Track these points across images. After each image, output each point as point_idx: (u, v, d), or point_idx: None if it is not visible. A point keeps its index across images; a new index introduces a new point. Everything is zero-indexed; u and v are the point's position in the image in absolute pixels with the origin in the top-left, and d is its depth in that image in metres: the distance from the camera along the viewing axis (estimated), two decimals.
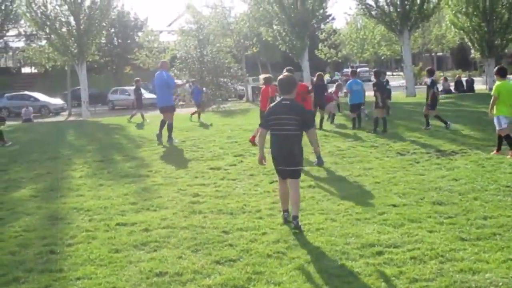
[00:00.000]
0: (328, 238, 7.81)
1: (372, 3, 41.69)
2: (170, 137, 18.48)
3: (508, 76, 14.91)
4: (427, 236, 7.73)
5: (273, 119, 8.50)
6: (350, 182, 11.51)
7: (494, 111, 13.86)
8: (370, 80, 73.77)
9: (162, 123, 18.60)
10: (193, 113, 29.44)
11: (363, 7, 42.42)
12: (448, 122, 19.18)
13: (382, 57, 78.18)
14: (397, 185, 10.98)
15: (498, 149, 14.02)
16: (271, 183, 11.72)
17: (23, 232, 8.89)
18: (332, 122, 22.38)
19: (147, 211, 9.86)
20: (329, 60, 57.95)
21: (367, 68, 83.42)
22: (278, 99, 9.21)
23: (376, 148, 15.55)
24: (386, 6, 41.30)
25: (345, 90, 23.40)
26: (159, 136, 18.60)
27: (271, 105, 9.00)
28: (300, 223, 8.37)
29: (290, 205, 8.71)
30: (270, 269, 6.77)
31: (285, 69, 12.68)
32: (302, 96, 13.97)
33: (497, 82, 14.05)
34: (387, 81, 20.66)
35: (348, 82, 21.76)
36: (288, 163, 8.52)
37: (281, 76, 8.85)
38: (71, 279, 6.76)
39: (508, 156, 13.40)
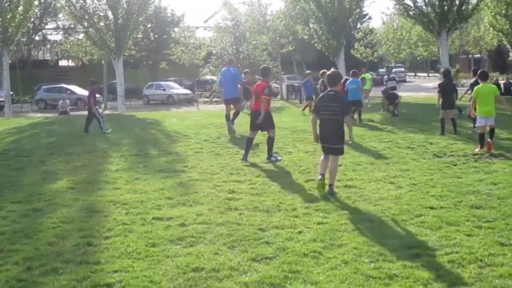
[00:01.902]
0: (365, 239, 7.76)
1: (410, 3, 41.26)
2: (233, 120, 20.43)
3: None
4: (466, 240, 7.64)
5: (321, 106, 10.73)
6: (387, 183, 11.41)
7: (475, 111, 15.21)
8: (405, 81, 73.50)
9: (228, 117, 20.31)
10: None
11: (401, 7, 42.00)
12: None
13: (418, 58, 77.67)
14: (434, 188, 10.86)
15: (482, 146, 14.89)
16: (306, 181, 11.69)
17: (61, 223, 8.99)
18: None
19: (183, 206, 9.90)
20: (364, 60, 57.53)
21: (402, 69, 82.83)
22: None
23: (413, 149, 15.41)
24: (424, 7, 40.83)
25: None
26: (230, 125, 20.22)
27: (321, 94, 11.27)
28: (334, 190, 10.43)
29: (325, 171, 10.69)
30: (307, 268, 6.75)
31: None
32: None
33: (481, 85, 15.19)
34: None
35: (347, 82, 21.82)
36: (331, 142, 10.62)
37: (329, 72, 11.40)
38: (109, 271, 6.81)
39: (477, 150, 14.78)
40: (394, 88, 27.95)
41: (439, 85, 19.68)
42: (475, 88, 15.32)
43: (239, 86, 21.54)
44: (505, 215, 8.80)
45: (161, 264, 7.00)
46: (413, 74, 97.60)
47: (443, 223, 8.42)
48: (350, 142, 13.85)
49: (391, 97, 26.47)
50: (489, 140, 14.88)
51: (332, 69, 11.79)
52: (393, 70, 73.95)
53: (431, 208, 9.36)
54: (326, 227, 8.40)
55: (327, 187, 10.53)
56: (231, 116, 20.44)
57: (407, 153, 14.96)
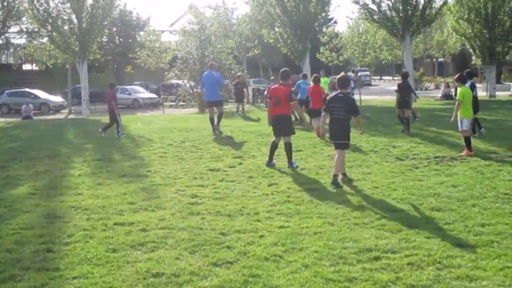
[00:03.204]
0: (326, 242, 7.80)
1: (375, 8, 41.70)
2: (218, 123, 21.02)
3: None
4: (425, 242, 7.73)
5: (331, 106, 11.95)
6: (349, 187, 11.48)
7: (458, 114, 15.08)
8: (370, 85, 74.06)
9: (212, 120, 20.94)
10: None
11: (366, 11, 42.38)
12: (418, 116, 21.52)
13: (383, 62, 78.18)
14: (396, 191, 10.97)
15: (470, 149, 14.99)
16: (269, 185, 11.72)
17: (21, 229, 8.90)
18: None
19: (145, 211, 9.86)
20: (330, 64, 57.72)
21: (368, 72, 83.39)
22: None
23: (376, 153, 15.53)
24: (388, 11, 41.26)
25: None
26: (216, 127, 20.85)
27: (331, 95, 12.60)
28: (338, 181, 11.60)
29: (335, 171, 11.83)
30: (267, 272, 6.76)
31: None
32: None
33: (459, 88, 15.42)
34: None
35: (298, 82, 24.04)
36: (340, 138, 11.89)
37: (339, 76, 12.77)
38: (68, 278, 6.77)
39: (463, 153, 14.80)
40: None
41: (398, 85, 21.13)
42: (460, 91, 15.22)
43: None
44: (464, 217, 8.93)
45: (121, 270, 6.97)
46: (379, 77, 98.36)
47: (404, 226, 8.51)
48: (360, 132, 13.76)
49: None
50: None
51: (342, 73, 13.23)
52: (359, 74, 74.49)
53: (392, 211, 9.46)
54: (287, 230, 8.43)
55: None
56: (215, 120, 20.88)
57: (370, 156, 15.08)
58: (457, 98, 15.36)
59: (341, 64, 61.58)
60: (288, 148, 13.81)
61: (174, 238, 8.18)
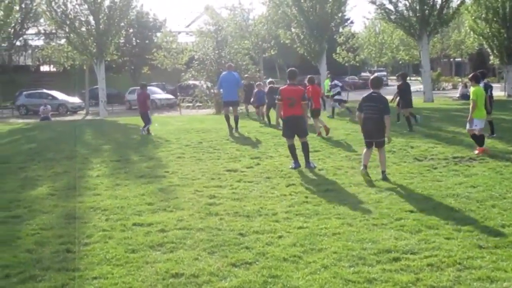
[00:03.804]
0: (345, 243, 7.77)
1: (391, 8, 41.54)
2: (237, 127, 21.46)
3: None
4: (445, 243, 7.68)
5: (365, 105, 12.29)
6: (367, 187, 11.44)
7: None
8: (387, 85, 73.86)
9: (227, 117, 21.41)
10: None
11: (382, 11, 42.24)
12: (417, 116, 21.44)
13: (400, 62, 77.95)
14: (415, 191, 10.93)
15: (481, 146, 15.14)
16: (287, 186, 11.71)
17: (40, 230, 8.94)
18: None
19: (164, 211, 9.88)
20: (346, 64, 57.64)
21: (384, 73, 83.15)
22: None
23: (394, 153, 15.45)
24: (405, 11, 41.13)
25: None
26: (236, 130, 21.33)
27: (365, 95, 12.57)
28: (387, 176, 12.16)
29: (367, 163, 12.26)
30: (286, 273, 6.75)
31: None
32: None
33: (473, 88, 15.49)
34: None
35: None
36: (374, 136, 12.27)
37: (372, 76, 13.40)
38: (88, 278, 6.79)
39: (476, 152, 14.89)
40: (339, 93, 28.70)
41: (398, 86, 21.95)
42: (473, 91, 15.25)
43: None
44: (483, 218, 8.87)
45: (140, 270, 6.98)
46: (395, 78, 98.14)
47: (423, 227, 8.46)
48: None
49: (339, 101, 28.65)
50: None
51: (375, 74, 13.75)
52: (376, 74, 74.17)
53: (411, 211, 9.40)
54: (306, 231, 8.42)
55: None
56: (233, 125, 21.37)
57: (388, 156, 14.95)
58: (471, 98, 15.35)
59: (358, 64, 61.48)
60: (306, 148, 13.80)
61: (192, 239, 8.19)
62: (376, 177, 12.30)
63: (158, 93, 56.80)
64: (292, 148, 13.94)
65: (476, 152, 14.92)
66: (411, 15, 40.81)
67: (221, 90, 23.12)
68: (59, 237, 8.52)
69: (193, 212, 9.73)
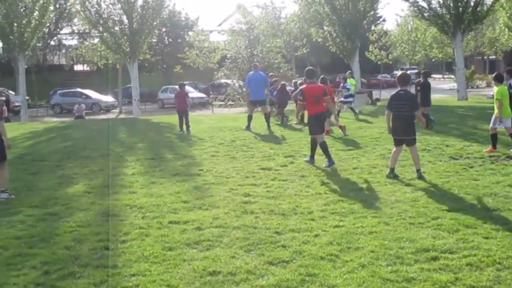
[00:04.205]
0: (382, 242, 7.74)
1: (425, 5, 41.13)
2: (268, 125, 21.71)
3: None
4: (483, 242, 7.60)
5: (394, 103, 12.26)
6: (403, 186, 11.36)
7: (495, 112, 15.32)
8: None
9: (250, 118, 21.86)
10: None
11: (416, 8, 41.86)
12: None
13: (433, 60, 77.26)
14: (451, 190, 10.82)
15: (494, 147, 15.23)
16: (322, 184, 11.68)
17: (78, 227, 9.04)
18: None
19: (199, 209, 9.92)
20: (379, 62, 57.28)
21: (417, 71, 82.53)
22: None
23: (429, 151, 15.32)
24: (439, 8, 40.70)
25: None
26: (268, 128, 21.59)
27: (393, 93, 12.58)
28: (422, 174, 12.07)
29: (395, 164, 12.48)
30: (324, 272, 6.74)
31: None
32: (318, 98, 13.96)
33: (497, 88, 15.27)
34: None
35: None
36: (405, 134, 12.22)
37: (399, 74, 12.99)
38: (126, 275, 6.85)
39: (485, 150, 15.10)
40: (351, 95, 28.80)
41: (420, 84, 21.44)
42: (498, 90, 15.12)
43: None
44: None
45: (178, 268, 7.02)
46: (419, 75, 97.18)
47: (460, 226, 8.38)
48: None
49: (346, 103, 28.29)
50: None
51: (402, 71, 13.65)
52: (408, 72, 73.71)
53: (448, 210, 9.31)
54: (342, 230, 8.39)
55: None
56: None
57: (423, 155, 14.85)
58: (495, 97, 15.17)
59: (390, 62, 61.04)
60: (325, 147, 13.88)
61: (229, 237, 8.21)
62: (412, 176, 12.20)
63: (190, 92, 56.94)
64: (325, 145, 13.91)
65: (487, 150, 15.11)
66: (444, 12, 40.35)
67: (249, 89, 23.35)
68: (97, 234, 8.62)
69: (228, 210, 9.75)
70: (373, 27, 62.74)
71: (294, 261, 7.13)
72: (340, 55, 44.44)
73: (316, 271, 6.76)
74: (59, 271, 7.03)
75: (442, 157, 14.59)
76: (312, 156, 14.19)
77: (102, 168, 14.67)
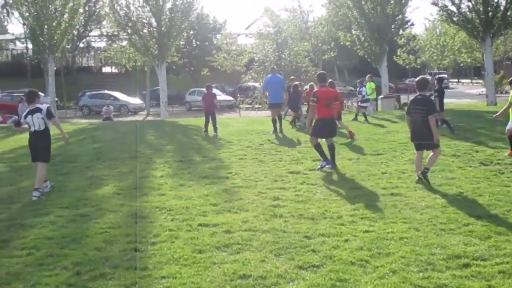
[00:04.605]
0: (412, 248, 7.67)
1: (454, 9, 40.77)
2: (281, 128, 22.29)
3: None
4: None
5: (412, 108, 12.29)
6: (432, 192, 11.27)
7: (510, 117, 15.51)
8: (448, 88, 72.86)
9: (274, 121, 22.11)
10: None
11: (445, 13, 41.54)
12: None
13: (461, 64, 76.67)
14: (482, 196, 10.70)
15: None
16: (351, 189, 11.63)
17: (108, 228, 9.09)
18: None
19: (228, 212, 9.93)
20: (407, 66, 57.09)
21: (445, 75, 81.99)
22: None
23: (458, 157, 15.19)
24: (468, 13, 40.33)
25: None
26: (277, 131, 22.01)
27: (412, 98, 12.86)
28: (428, 177, 11.89)
29: (421, 169, 12.11)
30: (354, 277, 6.70)
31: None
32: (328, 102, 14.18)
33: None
34: None
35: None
36: (423, 139, 12.13)
37: (417, 78, 12.87)
38: (156, 277, 6.87)
39: (506, 154, 15.17)
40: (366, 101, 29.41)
41: (436, 90, 21.42)
42: None
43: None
44: None
45: (208, 270, 7.03)
46: (456, 80, 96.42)
47: (492, 233, 8.28)
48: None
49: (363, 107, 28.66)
50: None
51: (421, 76, 13.49)
52: (435, 76, 73.41)
53: (479, 217, 9.20)
54: (372, 235, 8.34)
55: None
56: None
57: (453, 161, 14.76)
58: (510, 100, 15.43)
59: (418, 66, 60.72)
60: (334, 149, 14.28)
61: (258, 240, 8.21)
62: (441, 181, 12.10)
63: (217, 95, 57.12)
64: (320, 147, 14.21)
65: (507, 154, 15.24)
66: (474, 16, 39.95)
67: (267, 92, 23.84)
68: (127, 235, 8.66)
69: (257, 214, 9.75)
70: (401, 31, 62.50)
71: (324, 266, 7.11)
72: (368, 59, 44.29)
73: (347, 276, 6.72)
74: (90, 272, 7.08)
75: (472, 162, 14.44)
76: (325, 159, 14.13)
77: (131, 170, 14.77)
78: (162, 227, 9.09)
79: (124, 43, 55.55)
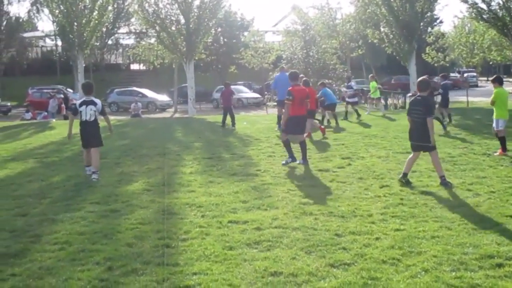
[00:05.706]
0: (444, 247, 7.61)
1: (484, 7, 40.32)
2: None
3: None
4: None
5: (412, 109, 12.13)
6: (464, 190, 11.16)
7: (494, 115, 16.03)
8: (477, 86, 72.12)
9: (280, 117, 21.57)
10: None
11: (475, 10, 41.09)
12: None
13: (491, 63, 75.83)
14: None
15: (504, 149, 15.34)
16: (381, 187, 11.56)
17: (139, 224, 9.14)
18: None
19: (258, 210, 9.94)
20: (436, 64, 56.53)
21: (474, 74, 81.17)
22: None
23: (489, 156, 15.04)
24: (498, 10, 39.87)
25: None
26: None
27: (412, 99, 12.76)
28: (447, 180, 11.54)
29: (410, 169, 12.15)
30: (386, 276, 6.66)
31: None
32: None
33: (495, 89, 16.08)
34: None
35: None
36: (420, 140, 11.94)
37: (419, 79, 12.66)
38: (188, 273, 6.89)
39: (496, 154, 15.21)
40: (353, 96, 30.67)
41: (441, 86, 22.98)
42: (497, 91, 15.94)
43: None
44: None
45: (239, 267, 7.04)
46: (485, 79, 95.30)
47: None
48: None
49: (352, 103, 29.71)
50: None
51: (422, 77, 12.97)
52: (465, 75, 72.83)
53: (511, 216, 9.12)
54: (403, 233, 8.29)
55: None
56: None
57: (484, 159, 14.62)
58: (492, 98, 15.96)
59: (447, 64, 60.19)
60: (305, 146, 14.83)
61: (289, 238, 8.20)
62: (472, 180, 11.99)
63: (244, 92, 57.21)
64: (289, 143, 14.68)
65: (497, 153, 15.29)
66: (504, 14, 39.51)
67: (276, 90, 23.97)
68: (157, 232, 8.70)
69: (287, 211, 9.74)
70: (430, 29, 62.02)
71: (355, 264, 7.08)
72: (397, 57, 44.01)
73: (379, 275, 6.69)
74: (122, 268, 7.12)
75: (503, 161, 14.29)
76: (291, 156, 14.59)
77: (160, 166, 14.84)
78: (193, 223, 9.12)
79: (152, 40, 55.73)
